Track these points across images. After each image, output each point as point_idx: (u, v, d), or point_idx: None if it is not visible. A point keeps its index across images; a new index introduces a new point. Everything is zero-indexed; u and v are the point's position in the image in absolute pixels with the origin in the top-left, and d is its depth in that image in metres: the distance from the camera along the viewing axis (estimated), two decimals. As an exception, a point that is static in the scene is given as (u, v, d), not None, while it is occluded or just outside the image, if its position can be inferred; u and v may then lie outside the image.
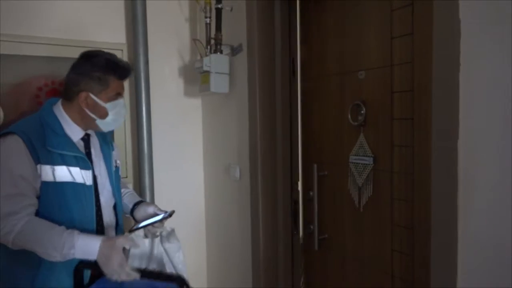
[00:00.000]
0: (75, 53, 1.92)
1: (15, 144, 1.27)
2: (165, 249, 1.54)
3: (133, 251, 1.49)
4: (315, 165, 1.69)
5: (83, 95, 1.39)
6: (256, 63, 1.81)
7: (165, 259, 1.54)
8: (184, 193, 2.28)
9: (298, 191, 1.93)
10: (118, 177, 1.60)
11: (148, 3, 2.06)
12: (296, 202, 1.92)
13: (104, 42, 2.00)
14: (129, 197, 1.66)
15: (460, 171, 1.02)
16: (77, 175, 1.35)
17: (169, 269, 1.52)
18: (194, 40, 2.06)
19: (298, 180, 1.93)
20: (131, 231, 1.52)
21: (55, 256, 1.22)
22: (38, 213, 1.29)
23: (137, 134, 2.05)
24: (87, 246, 1.22)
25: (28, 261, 1.29)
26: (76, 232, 1.24)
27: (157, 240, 1.54)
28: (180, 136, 2.30)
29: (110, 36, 2.06)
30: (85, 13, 2.00)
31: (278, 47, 1.84)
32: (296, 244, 1.91)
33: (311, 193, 1.74)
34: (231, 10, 1.92)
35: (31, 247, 1.24)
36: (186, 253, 1.59)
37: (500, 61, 0.94)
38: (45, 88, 1.91)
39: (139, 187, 2.07)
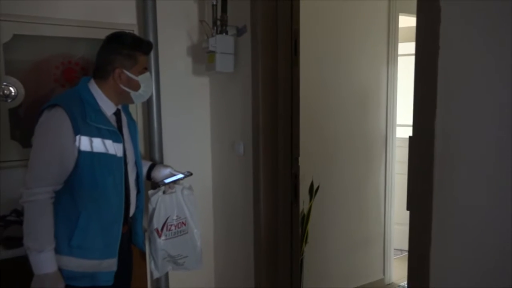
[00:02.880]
0: (89, 34, 2.06)
1: (59, 116, 1.41)
2: (183, 195, 1.98)
3: (160, 204, 1.91)
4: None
5: (117, 71, 1.54)
6: (259, 43, 1.90)
7: (183, 205, 1.98)
8: (193, 167, 2.39)
9: (298, 166, 2.05)
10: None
11: (157, -15, 2.14)
12: (296, 176, 2.04)
13: (116, 23, 2.10)
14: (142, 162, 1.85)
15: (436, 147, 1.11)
16: (110, 147, 1.50)
17: (186, 210, 1.99)
18: (201, 21, 2.15)
19: (299, 155, 2.05)
20: (159, 186, 1.90)
21: (26, 242, 1.40)
22: (77, 178, 1.45)
23: (147, 111, 2.17)
24: (34, 265, 1.40)
25: (66, 219, 1.46)
26: (48, 249, 1.40)
27: (177, 192, 1.97)
28: (189, 113, 2.42)
29: (122, 18, 2.16)
30: (98, -5, 2.09)
31: (280, 28, 1.93)
32: (296, 214, 2.04)
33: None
34: (236, -9, 1.99)
35: (25, 220, 1.41)
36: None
37: (485, 45, 1.02)
38: (62, 66, 2.03)
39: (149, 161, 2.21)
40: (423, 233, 1.16)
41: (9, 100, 1.92)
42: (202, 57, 2.28)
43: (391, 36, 3.00)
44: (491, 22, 1.02)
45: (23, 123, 1.96)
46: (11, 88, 1.92)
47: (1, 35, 1.87)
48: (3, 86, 1.90)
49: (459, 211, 1.12)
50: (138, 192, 1.73)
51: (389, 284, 3.22)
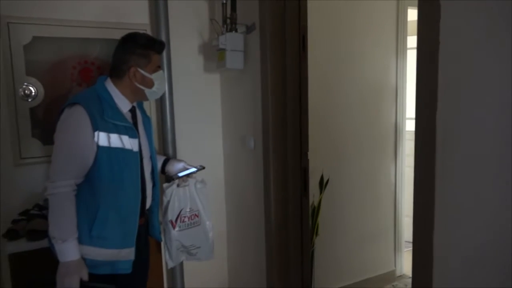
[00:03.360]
0: (104, 34, 2.14)
1: (79, 113, 1.50)
2: (196, 189, 2.06)
3: (174, 197, 2.00)
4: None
5: (132, 70, 1.62)
6: (268, 41, 1.94)
7: (196, 198, 2.06)
8: (205, 161, 2.47)
9: (307, 160, 2.09)
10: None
11: (169, -15, 2.20)
12: (306, 170, 2.08)
13: (129, 23, 2.18)
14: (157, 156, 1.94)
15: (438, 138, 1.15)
16: (126, 142, 1.58)
17: (199, 203, 2.08)
18: (211, 20, 2.21)
19: (308, 150, 2.09)
20: (173, 179, 1.99)
21: (52, 232, 1.48)
22: (96, 172, 1.53)
23: (160, 108, 2.25)
24: (59, 253, 1.48)
25: (86, 211, 1.54)
26: (72, 238, 1.48)
27: (190, 185, 2.05)
28: (201, 109, 2.48)
29: (135, 18, 2.23)
30: (112, -3, 2.17)
31: (288, 25, 1.97)
32: (305, 207, 2.09)
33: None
34: (245, -10, 2.04)
35: (50, 211, 1.49)
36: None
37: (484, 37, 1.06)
38: (79, 66, 2.12)
39: (163, 156, 2.28)
40: (426, 225, 1.20)
41: (29, 100, 2.01)
42: (213, 55, 2.34)
43: (400, 29, 3.01)
44: (491, 17, 1.05)
45: (43, 121, 2.05)
46: (31, 88, 2.01)
47: (21, 37, 1.96)
48: (24, 86, 1.99)
49: (460, 205, 1.15)
50: (154, 185, 1.82)
51: (400, 275, 3.25)
